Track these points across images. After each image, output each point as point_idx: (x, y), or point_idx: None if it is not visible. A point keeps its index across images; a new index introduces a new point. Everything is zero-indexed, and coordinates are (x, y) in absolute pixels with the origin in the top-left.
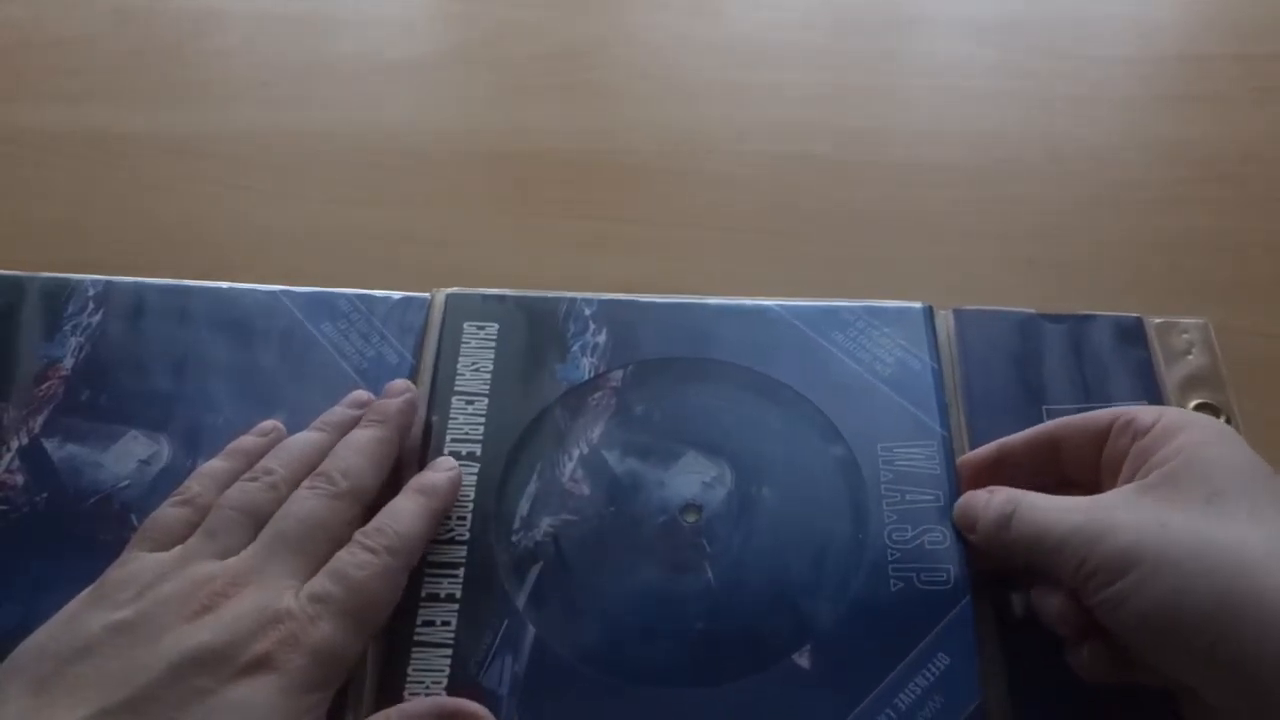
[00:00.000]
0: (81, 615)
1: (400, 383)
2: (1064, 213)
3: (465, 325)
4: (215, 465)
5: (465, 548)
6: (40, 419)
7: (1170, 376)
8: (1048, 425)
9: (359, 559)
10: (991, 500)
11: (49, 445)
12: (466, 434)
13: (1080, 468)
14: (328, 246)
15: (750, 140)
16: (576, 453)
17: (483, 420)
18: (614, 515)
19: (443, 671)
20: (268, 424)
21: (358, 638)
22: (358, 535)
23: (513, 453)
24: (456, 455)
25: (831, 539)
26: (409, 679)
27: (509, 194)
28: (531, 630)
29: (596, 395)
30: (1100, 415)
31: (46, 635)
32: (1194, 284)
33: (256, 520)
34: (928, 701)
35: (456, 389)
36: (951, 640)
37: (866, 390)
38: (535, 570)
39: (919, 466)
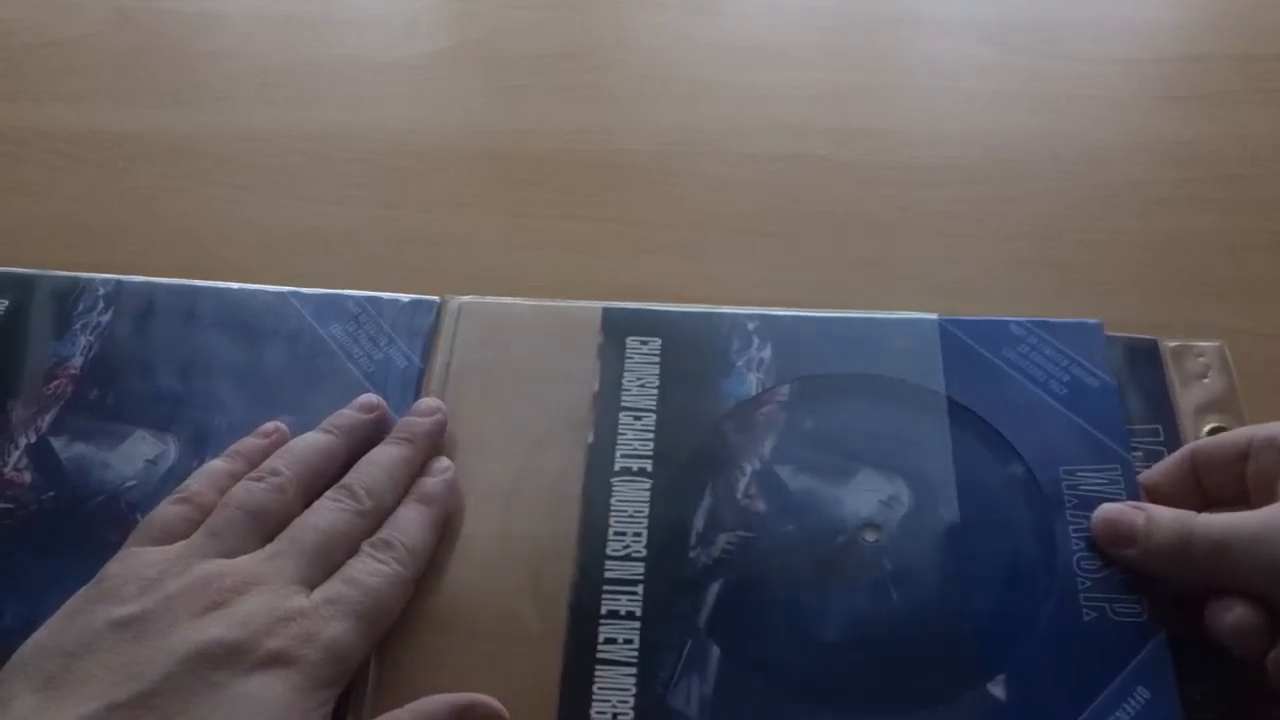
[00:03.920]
0: (85, 611)
1: (431, 401)
2: (1064, 213)
3: (628, 340)
4: (216, 465)
5: (643, 565)
6: (48, 417)
7: (1185, 400)
8: (1184, 450)
9: (371, 567)
10: (1156, 519)
11: (57, 444)
12: (636, 450)
13: (1223, 488)
14: (327, 246)
15: (750, 140)
16: (749, 468)
17: (652, 436)
18: (792, 533)
19: (629, 690)
20: (269, 426)
21: (367, 640)
22: (366, 545)
23: (684, 468)
24: (627, 471)
25: (1018, 564)
26: (595, 697)
27: (508, 194)
28: (716, 650)
29: (765, 410)
30: (1237, 435)
31: (49, 632)
32: (1195, 284)
33: (261, 521)
34: None
35: (623, 404)
36: (1150, 673)
37: (1042, 409)
38: (715, 588)
39: (1103, 491)
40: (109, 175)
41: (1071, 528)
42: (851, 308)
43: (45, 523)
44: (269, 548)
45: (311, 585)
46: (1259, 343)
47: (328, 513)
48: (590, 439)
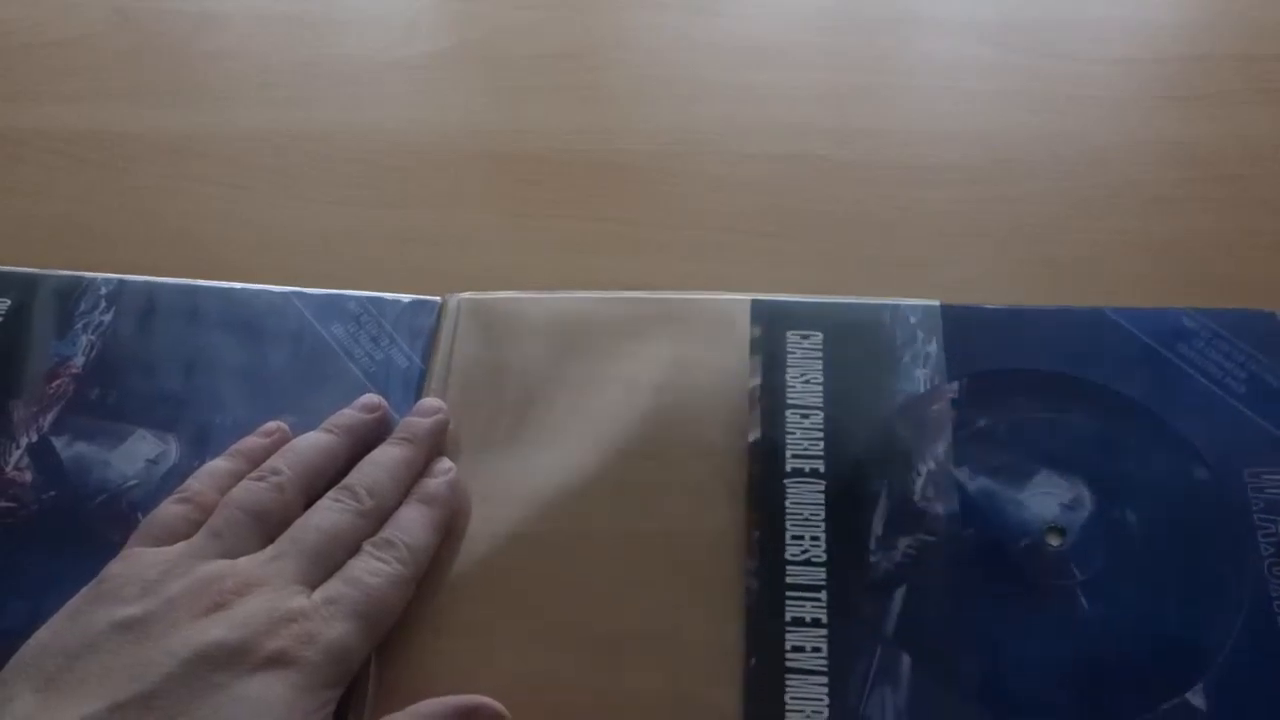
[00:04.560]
0: (86, 612)
1: (432, 402)
2: (1064, 213)
3: (788, 335)
4: (217, 465)
5: (824, 570)
6: (50, 417)
7: None
8: None
9: (372, 567)
10: None
11: (58, 443)
12: (806, 449)
13: None
14: (328, 246)
15: (750, 140)
16: (924, 469)
17: (821, 435)
18: (974, 536)
19: (822, 701)
20: (271, 425)
21: (368, 640)
22: (368, 545)
23: (859, 469)
24: (799, 472)
25: (1206, 571)
26: (788, 708)
27: (508, 194)
28: (907, 659)
29: (935, 408)
30: None
31: (50, 633)
32: (1195, 284)
33: (261, 521)
34: None
35: (789, 402)
36: None
37: (1222, 408)
38: (900, 593)
39: None
40: (109, 175)
41: (1260, 533)
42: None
43: (46, 522)
44: (270, 549)
45: (313, 585)
46: None
47: (329, 513)
48: (755, 436)
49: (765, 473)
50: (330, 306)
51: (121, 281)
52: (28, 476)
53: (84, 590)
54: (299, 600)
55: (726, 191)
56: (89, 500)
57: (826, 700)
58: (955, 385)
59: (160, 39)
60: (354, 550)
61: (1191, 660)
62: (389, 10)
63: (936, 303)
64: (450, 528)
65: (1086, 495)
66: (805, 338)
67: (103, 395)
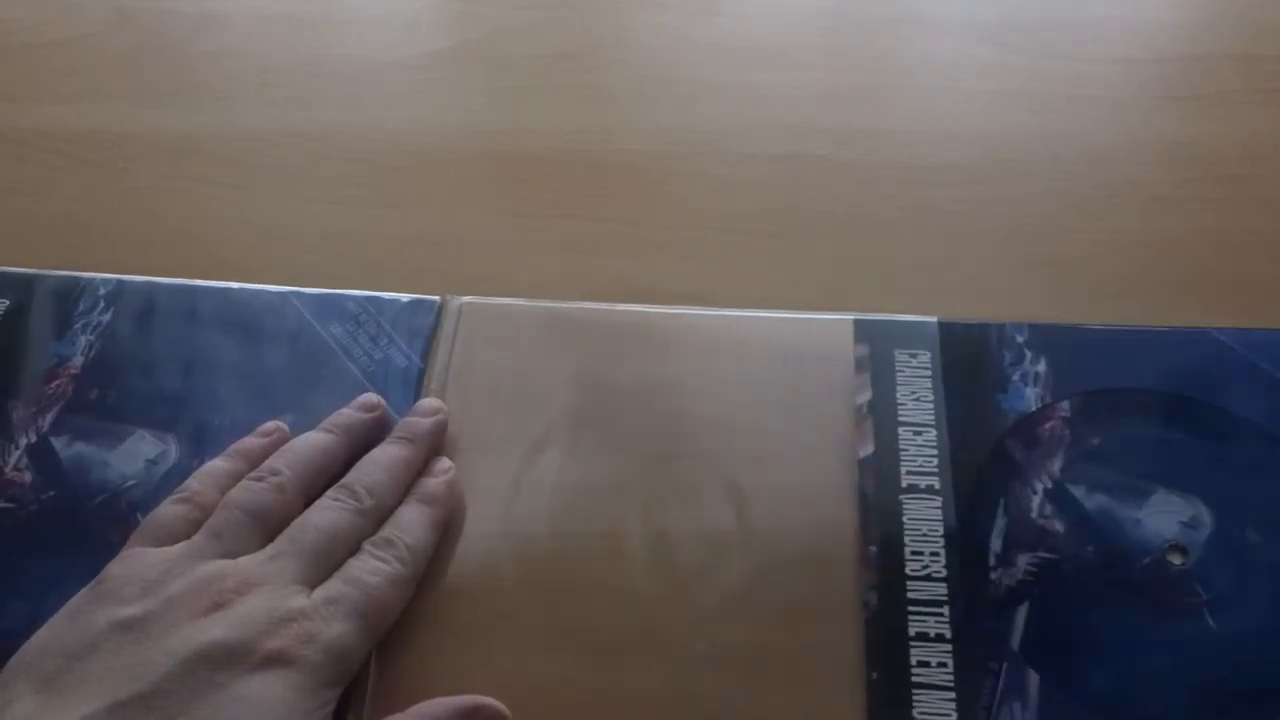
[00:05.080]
0: (86, 612)
1: (431, 402)
2: (1064, 213)
3: (896, 353)
4: (216, 465)
5: (944, 585)
6: (49, 417)
7: None
8: None
9: (372, 566)
10: None
11: (57, 444)
12: (920, 466)
13: None
14: (327, 246)
15: (750, 140)
16: (1040, 487)
17: (935, 452)
18: (1094, 554)
19: (950, 716)
20: (270, 425)
21: (367, 640)
22: (368, 545)
23: (974, 486)
24: (914, 489)
25: None
26: None
27: (508, 194)
28: (1034, 676)
29: (1048, 426)
30: None
31: (51, 633)
32: (1195, 284)
33: (261, 521)
34: None
35: (901, 419)
36: None
37: None
38: (1023, 610)
39: None
40: (109, 175)
41: None
42: (852, 308)
43: (45, 523)
44: (269, 548)
45: (312, 585)
46: None
47: (328, 512)
48: (867, 452)
49: (880, 488)
50: (329, 306)
51: (120, 282)
52: (27, 477)
53: (84, 590)
54: (299, 600)
55: (726, 191)
56: (88, 500)
57: (955, 715)
58: (1066, 404)
59: (160, 39)
60: (354, 549)
61: None
62: (389, 10)
63: (1041, 321)
64: (449, 527)
65: (1206, 514)
66: (913, 356)
67: (102, 395)
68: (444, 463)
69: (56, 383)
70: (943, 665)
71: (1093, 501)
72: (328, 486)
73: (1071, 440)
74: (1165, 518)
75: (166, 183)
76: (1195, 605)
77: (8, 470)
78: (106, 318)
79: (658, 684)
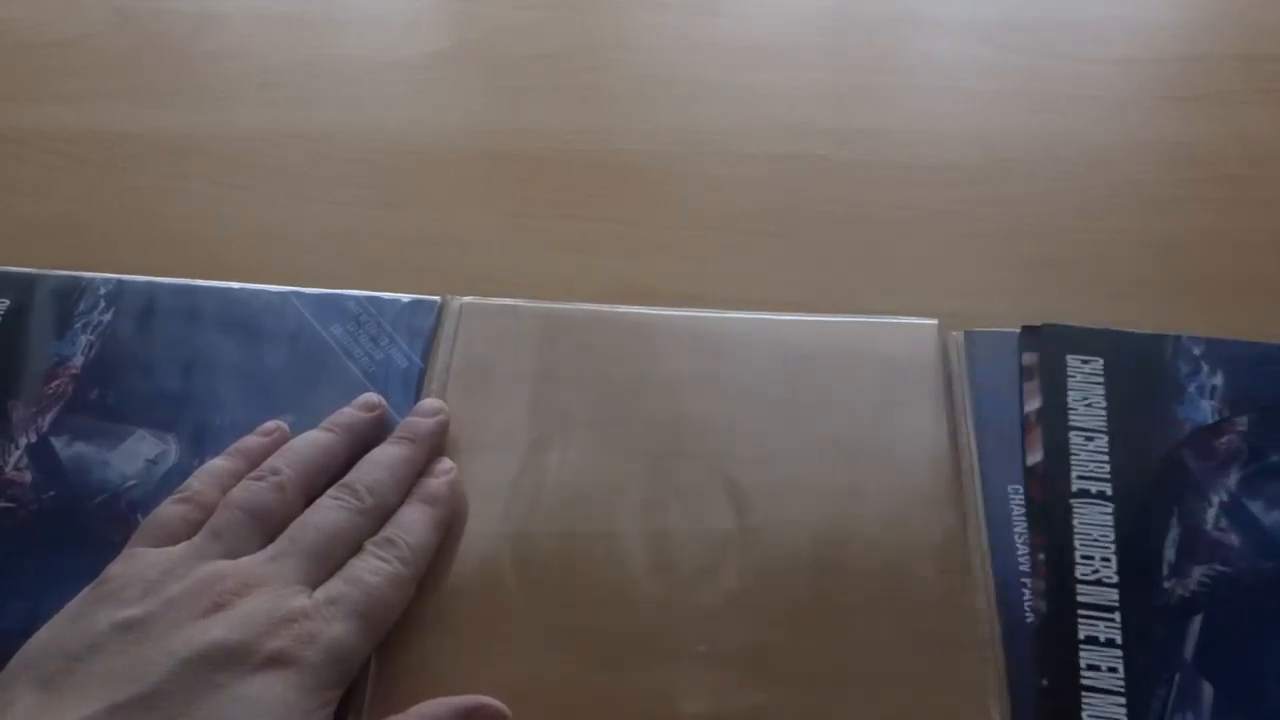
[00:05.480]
0: (87, 613)
1: (433, 403)
2: (1064, 213)
3: (1069, 358)
4: (217, 464)
5: (1116, 590)
6: (49, 417)
7: None
8: None
9: (373, 566)
10: None
11: (57, 443)
12: (1092, 471)
13: None
14: (327, 246)
15: (750, 140)
16: (1216, 500)
17: (1107, 458)
18: (1272, 570)
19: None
20: (270, 424)
21: (368, 641)
22: (369, 544)
23: (1147, 494)
24: (1085, 493)
25: None
26: None
27: (508, 194)
28: (1208, 686)
29: (1224, 439)
30: None
31: (51, 633)
32: (1195, 284)
33: (261, 521)
34: None
35: (1072, 424)
36: None
37: None
38: (1198, 620)
39: None
40: (109, 175)
41: None
42: (851, 308)
43: (45, 522)
44: (270, 548)
45: (313, 585)
46: None
47: (329, 511)
48: (1037, 458)
49: (1051, 493)
50: (329, 306)
51: (120, 281)
52: (27, 476)
53: (85, 591)
54: (300, 600)
55: (726, 191)
56: (88, 500)
57: (1126, 719)
58: (1245, 419)
59: (160, 39)
60: (355, 548)
61: None
62: (389, 10)
63: (1214, 337)
64: (450, 528)
65: None
66: (1085, 363)
67: (102, 395)
68: (445, 463)
69: (57, 382)
70: (1113, 670)
71: (1271, 518)
72: (328, 486)
73: (1249, 455)
74: None
75: (166, 183)
76: None
77: (8, 470)
78: (107, 318)
79: (658, 684)
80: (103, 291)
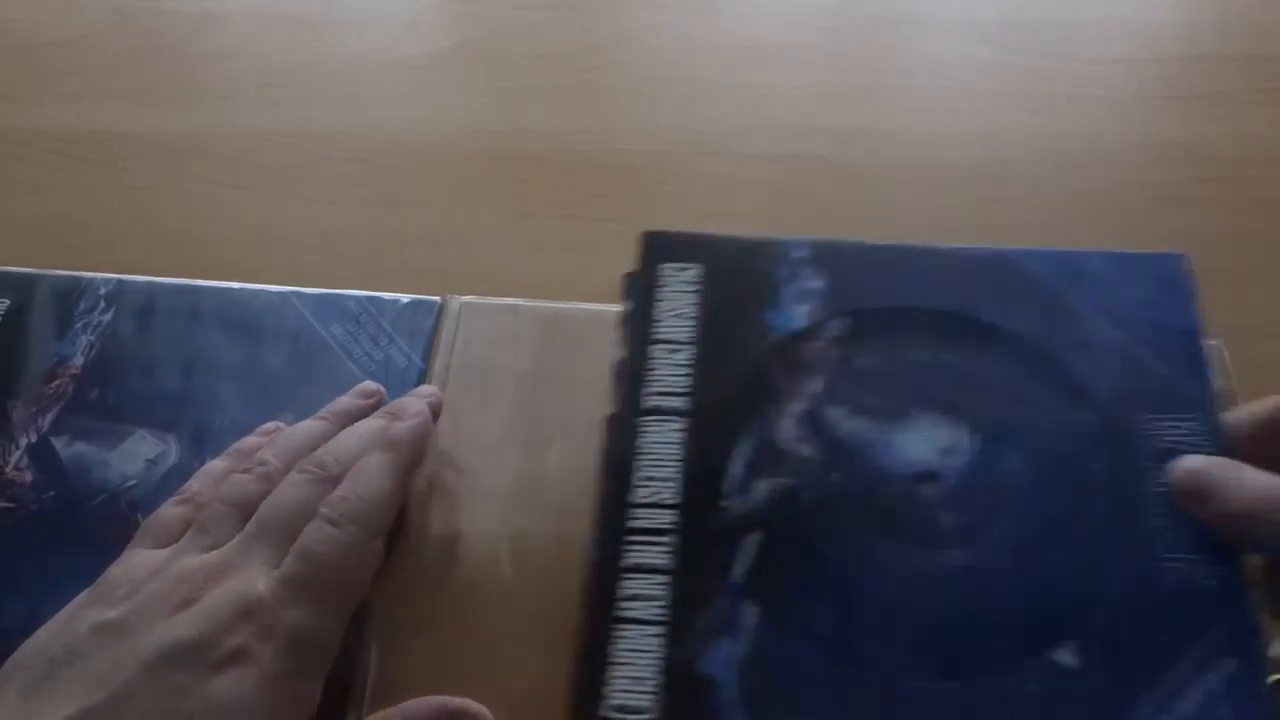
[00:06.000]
0: (77, 616)
1: (430, 387)
2: (1064, 213)
3: (664, 267)
4: (217, 465)
5: (673, 512)
6: (49, 417)
7: None
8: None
9: (321, 533)
10: (1246, 478)
11: (57, 443)
12: (670, 386)
13: None
14: (327, 246)
15: (750, 140)
16: (795, 409)
17: (688, 371)
18: (840, 481)
19: (654, 653)
20: (269, 425)
21: (331, 617)
22: (321, 507)
23: (723, 408)
24: (658, 410)
25: (1090, 521)
26: (615, 660)
27: (509, 194)
28: (754, 609)
29: (814, 346)
30: None
31: (42, 637)
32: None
33: (244, 511)
34: (1211, 711)
35: (656, 336)
36: (1237, 642)
37: (1125, 353)
38: (752, 540)
39: (1188, 443)
40: (109, 175)
41: (1152, 482)
42: None
43: (45, 522)
44: (239, 536)
45: (279, 562)
46: (1259, 343)
47: (293, 487)
48: (617, 373)
49: (622, 409)
50: (329, 306)
51: (120, 282)
52: (27, 476)
53: (82, 594)
54: (260, 584)
55: (726, 191)
56: (88, 500)
57: (659, 652)
58: (837, 323)
59: (160, 39)
60: None
61: (1065, 616)
62: (389, 10)
63: (829, 238)
64: (415, 475)
65: (966, 439)
66: (682, 270)
67: (102, 395)
68: (417, 404)
69: (57, 382)
70: (654, 599)
71: (848, 425)
72: None
73: (837, 360)
74: (923, 443)
75: (166, 183)
76: (937, 536)
77: (8, 470)
78: (107, 318)
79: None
80: (103, 291)
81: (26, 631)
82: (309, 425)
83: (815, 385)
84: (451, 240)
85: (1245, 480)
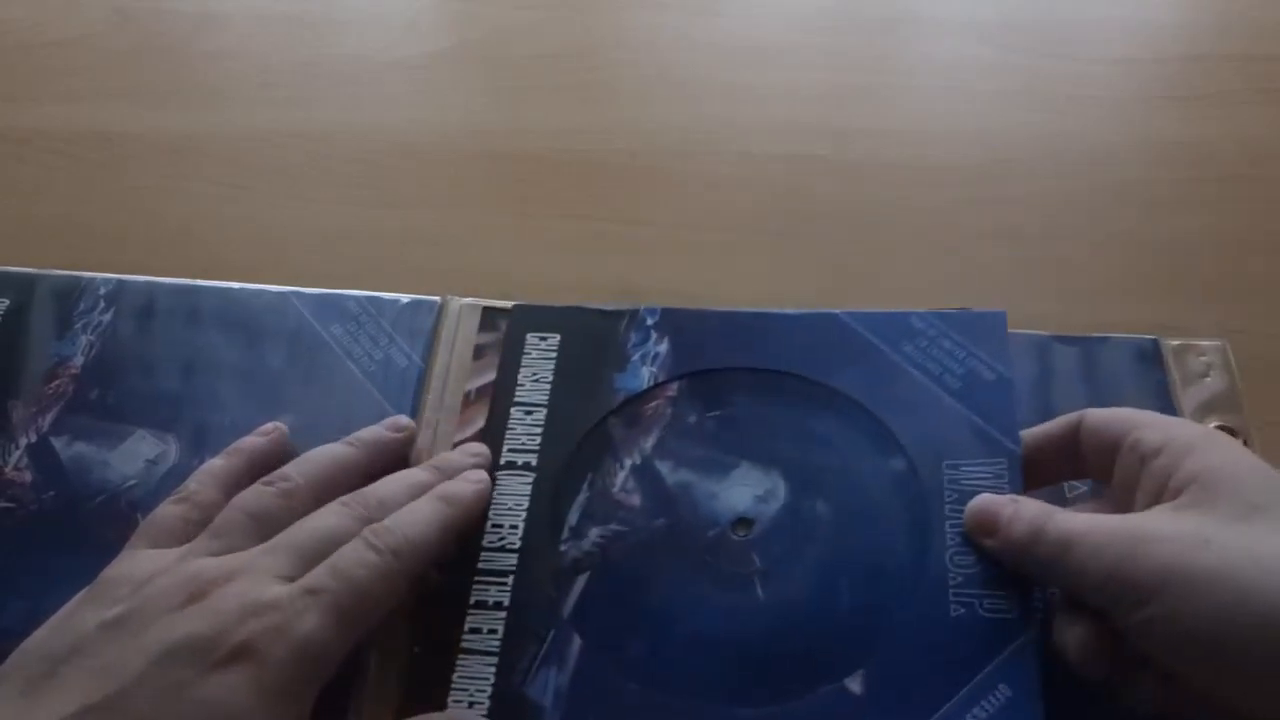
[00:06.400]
0: (76, 614)
1: (479, 446)
2: (1064, 213)
3: (528, 337)
4: (215, 463)
5: (516, 556)
6: (49, 417)
7: (1187, 399)
8: (1074, 416)
9: (362, 557)
10: (1021, 510)
11: (57, 443)
12: (524, 444)
13: (1096, 469)
14: (327, 246)
15: (750, 140)
16: (629, 463)
17: (540, 430)
18: (663, 527)
19: (487, 680)
20: (269, 425)
21: (345, 637)
22: (365, 532)
23: (567, 463)
24: (512, 465)
25: (888, 559)
26: (453, 685)
27: (509, 194)
28: (578, 640)
29: (653, 405)
30: (1119, 420)
31: (41, 636)
32: (1195, 285)
33: (261, 523)
34: None
35: (516, 399)
36: (1014, 672)
37: (933, 403)
38: (582, 580)
39: (985, 484)
40: (109, 175)
41: (948, 523)
42: (851, 307)
43: (45, 522)
44: (262, 545)
45: (297, 575)
46: (1260, 343)
47: (330, 515)
48: (476, 431)
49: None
50: (329, 306)
51: (120, 281)
52: (27, 476)
53: (81, 593)
54: (274, 589)
55: (726, 191)
56: (88, 500)
57: (492, 679)
58: (676, 384)
59: (160, 39)
60: None
61: (858, 647)
62: (389, 10)
63: (675, 306)
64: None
65: (782, 487)
66: (543, 339)
67: (102, 395)
68: (479, 474)
69: (57, 382)
70: (493, 632)
71: (675, 476)
72: None
73: (671, 418)
74: (742, 491)
75: (166, 183)
76: (748, 575)
77: (8, 470)
78: (107, 318)
79: None
80: (103, 291)
81: (26, 631)
82: (336, 449)
83: (649, 441)
84: (451, 240)
85: (1020, 512)
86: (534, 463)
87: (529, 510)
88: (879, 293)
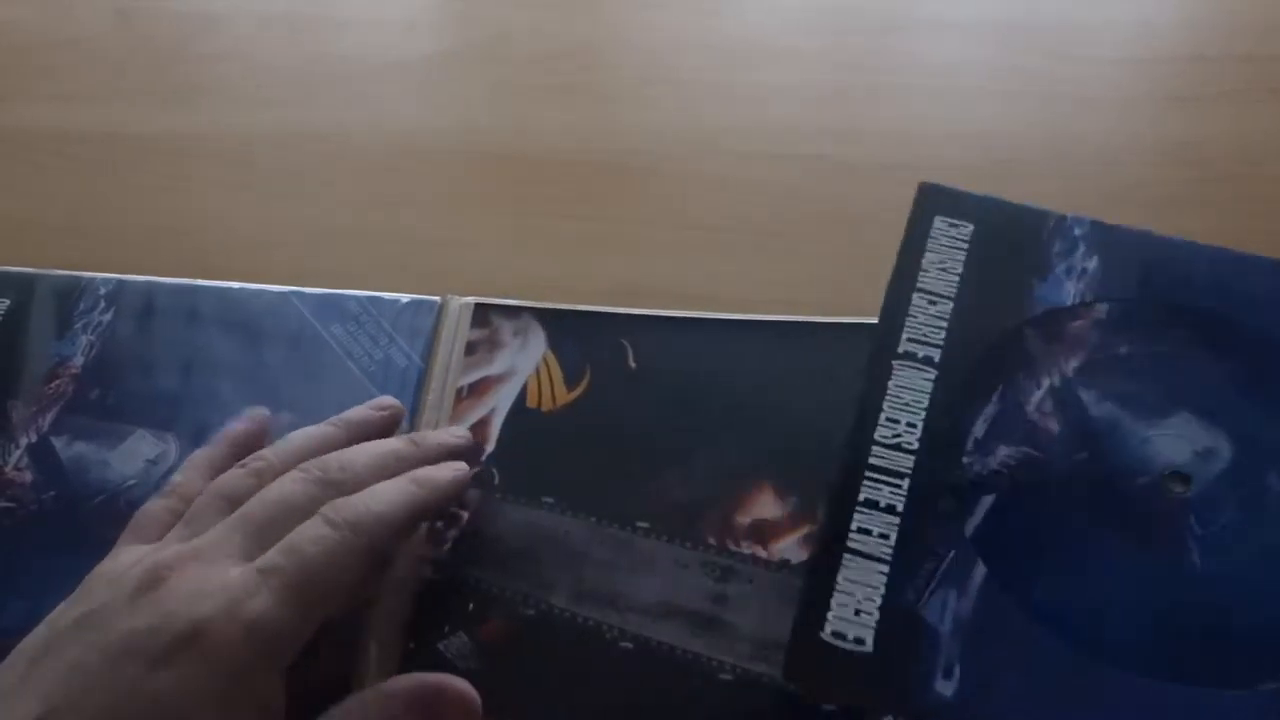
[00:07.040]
0: (61, 614)
1: (463, 430)
2: (1064, 213)
3: (937, 220)
4: (202, 454)
5: (912, 458)
6: (49, 417)
7: None
8: None
9: (317, 533)
10: None
11: (57, 443)
12: (925, 336)
13: None
14: (328, 246)
15: (750, 140)
16: (1047, 382)
17: (945, 324)
18: (1085, 462)
19: (876, 589)
20: (257, 411)
21: (302, 617)
22: (324, 508)
23: (974, 366)
24: (911, 355)
25: None
26: (839, 589)
27: (508, 194)
28: (981, 568)
29: (1078, 324)
30: None
31: (31, 636)
32: None
33: (233, 505)
34: None
35: (920, 285)
36: None
37: None
38: (988, 501)
39: None
40: (109, 175)
41: None
42: (851, 308)
43: (45, 522)
44: (222, 522)
45: (254, 556)
46: None
47: (288, 483)
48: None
49: (878, 350)
50: (329, 306)
51: (120, 282)
52: (27, 476)
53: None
54: (227, 571)
55: (726, 191)
56: (88, 500)
57: (882, 590)
58: (1104, 307)
59: (160, 40)
60: None
61: None
62: (389, 10)
63: (1108, 221)
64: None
65: (1226, 448)
66: (954, 226)
67: (102, 395)
68: (460, 464)
69: (57, 382)
70: (884, 537)
71: (1101, 409)
72: None
73: (1100, 343)
74: (1179, 442)
75: (166, 183)
76: (1183, 537)
77: (8, 470)
78: (107, 318)
79: None
80: (103, 291)
81: (26, 631)
82: (316, 429)
83: (1073, 363)
84: (451, 240)
85: None
86: (936, 358)
87: (928, 411)
88: (880, 294)
